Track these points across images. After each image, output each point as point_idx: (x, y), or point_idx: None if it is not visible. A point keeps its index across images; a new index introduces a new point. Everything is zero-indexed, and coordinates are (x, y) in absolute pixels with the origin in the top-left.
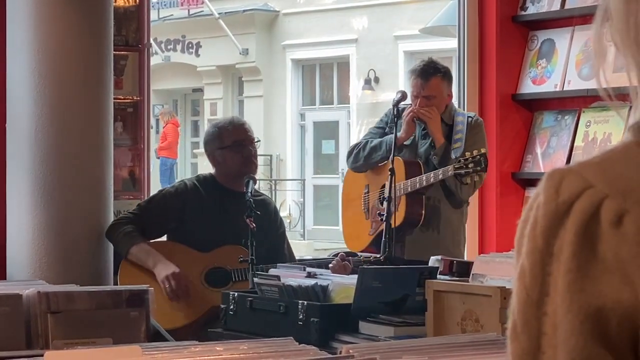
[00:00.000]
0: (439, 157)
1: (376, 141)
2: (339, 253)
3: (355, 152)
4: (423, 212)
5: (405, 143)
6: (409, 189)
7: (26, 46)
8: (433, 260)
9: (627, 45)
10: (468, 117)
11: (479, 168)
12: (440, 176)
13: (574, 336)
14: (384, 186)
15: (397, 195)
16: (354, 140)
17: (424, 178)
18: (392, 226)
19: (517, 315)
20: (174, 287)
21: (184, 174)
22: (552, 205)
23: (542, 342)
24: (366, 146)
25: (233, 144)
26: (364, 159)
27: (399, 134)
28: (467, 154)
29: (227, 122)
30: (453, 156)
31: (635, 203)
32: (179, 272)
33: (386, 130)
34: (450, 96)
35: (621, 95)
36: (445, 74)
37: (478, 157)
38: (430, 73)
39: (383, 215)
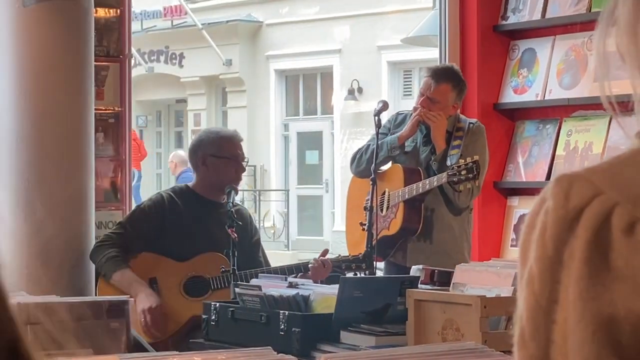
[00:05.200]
0: (439, 163)
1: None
2: (323, 250)
3: (358, 157)
4: (421, 220)
5: (406, 150)
6: (406, 196)
7: (6, 57)
8: (414, 270)
9: (633, 59)
10: (469, 123)
11: (470, 175)
12: (435, 183)
13: (586, 345)
14: (384, 193)
15: (394, 202)
16: (338, 151)
17: (420, 185)
18: (387, 233)
19: (526, 322)
20: (149, 323)
21: (168, 186)
22: (561, 211)
23: (551, 350)
24: (368, 149)
25: (231, 157)
26: (367, 162)
27: (401, 133)
28: (461, 161)
29: (230, 134)
30: (449, 163)
31: None
32: (156, 306)
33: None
34: (456, 107)
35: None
36: (457, 85)
37: (471, 164)
38: (443, 78)
39: (364, 225)
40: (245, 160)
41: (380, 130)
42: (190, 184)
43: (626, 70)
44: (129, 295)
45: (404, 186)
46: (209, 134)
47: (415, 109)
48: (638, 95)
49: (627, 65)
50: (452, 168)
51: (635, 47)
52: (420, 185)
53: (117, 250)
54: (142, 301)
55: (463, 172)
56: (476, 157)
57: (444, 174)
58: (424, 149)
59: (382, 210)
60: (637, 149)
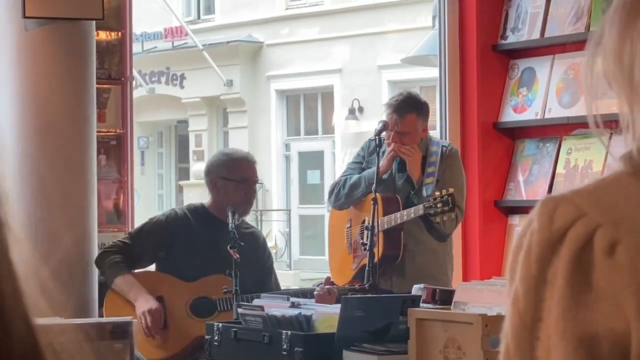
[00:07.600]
0: (418, 196)
1: (354, 178)
2: (325, 278)
3: (335, 192)
4: (401, 247)
5: (382, 177)
6: (385, 226)
7: (9, 80)
8: (416, 289)
9: (619, 84)
10: (442, 146)
11: (446, 208)
12: (412, 215)
13: None
14: (364, 221)
15: (374, 231)
16: (339, 170)
17: (398, 216)
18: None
19: (510, 339)
20: (149, 324)
21: (170, 207)
22: (546, 232)
23: None
24: (345, 184)
25: (240, 180)
26: (345, 197)
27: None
28: (437, 193)
29: (241, 156)
30: (424, 193)
31: (627, 232)
32: (156, 308)
33: (363, 165)
34: (425, 130)
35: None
36: (421, 111)
37: (446, 197)
38: (406, 110)
39: (366, 244)
40: (260, 182)
41: (354, 159)
42: (205, 203)
43: (613, 95)
44: (132, 298)
45: (383, 215)
46: (220, 156)
47: (388, 144)
48: (625, 120)
49: (614, 91)
50: (428, 200)
51: (621, 74)
52: (399, 215)
53: (121, 257)
54: (141, 304)
55: (439, 205)
56: (451, 190)
57: (420, 207)
58: (399, 175)
59: (362, 239)
60: (621, 172)
